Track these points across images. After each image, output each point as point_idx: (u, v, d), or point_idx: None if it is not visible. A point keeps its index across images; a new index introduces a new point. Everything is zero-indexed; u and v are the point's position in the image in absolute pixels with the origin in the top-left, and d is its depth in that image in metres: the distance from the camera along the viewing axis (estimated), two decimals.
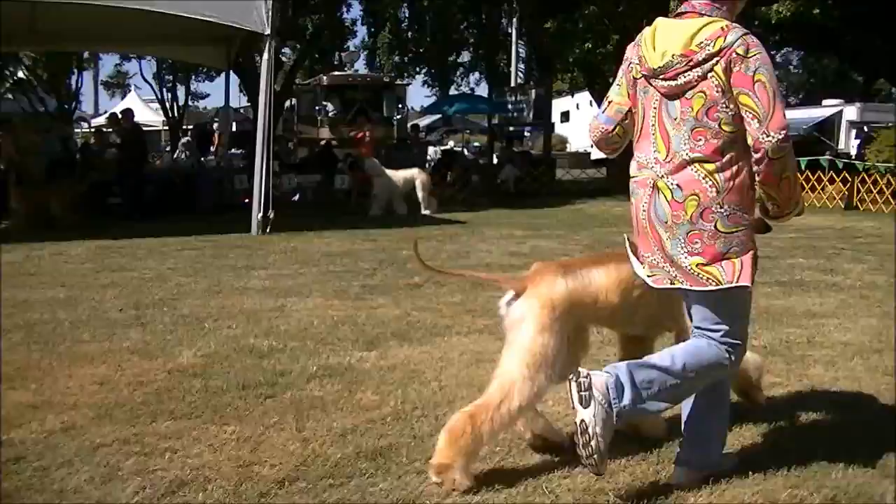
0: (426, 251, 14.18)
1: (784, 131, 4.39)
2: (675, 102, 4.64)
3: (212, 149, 36.14)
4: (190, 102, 68.97)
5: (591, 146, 34.33)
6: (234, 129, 36.75)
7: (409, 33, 55.50)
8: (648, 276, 4.81)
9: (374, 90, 36.85)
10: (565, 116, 59.73)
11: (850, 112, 45.83)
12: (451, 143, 50.87)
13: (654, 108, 4.72)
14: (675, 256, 4.66)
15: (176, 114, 58.14)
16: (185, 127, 52.97)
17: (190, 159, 30.21)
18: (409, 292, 10.65)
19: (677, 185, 4.60)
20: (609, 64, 32.70)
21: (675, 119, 4.62)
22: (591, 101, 44.16)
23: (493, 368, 6.78)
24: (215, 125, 41.58)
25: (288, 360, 7.38)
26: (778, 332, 8.58)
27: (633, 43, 4.91)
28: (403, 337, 8.28)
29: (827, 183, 25.33)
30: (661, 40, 4.70)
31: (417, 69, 59.96)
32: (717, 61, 4.48)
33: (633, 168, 4.90)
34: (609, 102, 5.03)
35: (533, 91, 40.29)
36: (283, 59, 43.54)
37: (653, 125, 4.74)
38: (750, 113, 4.44)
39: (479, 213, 22.22)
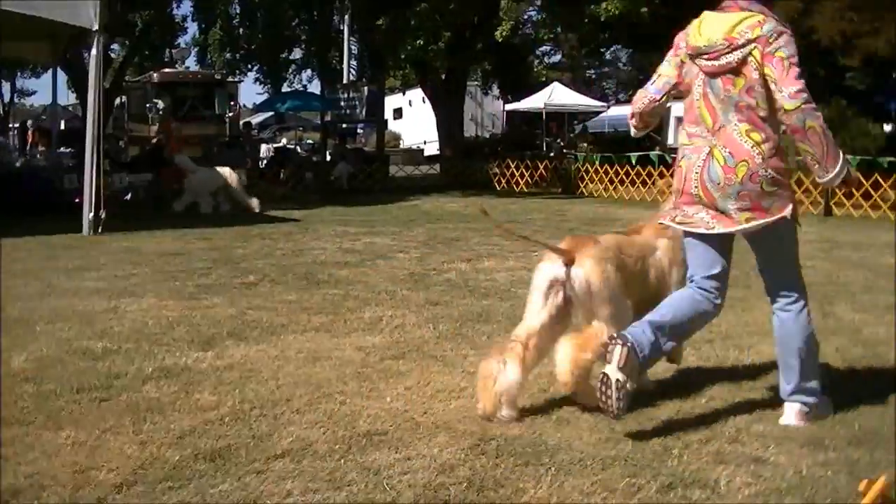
0: (259, 249, 14.10)
1: (795, 88, 5.34)
2: (717, 81, 5.56)
3: (27, 148, 35.24)
4: (16, 99, 67.33)
5: (424, 142, 34.57)
6: (62, 126, 35.86)
7: (241, 30, 54.91)
8: (683, 224, 5.83)
9: (206, 87, 36.52)
10: (398, 113, 59.87)
11: (678, 108, 46.84)
12: (284, 141, 50.44)
13: (699, 85, 5.66)
14: (727, 211, 5.56)
15: (2, 111, 56.61)
16: (10, 125, 51.58)
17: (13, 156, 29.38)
18: (244, 291, 10.57)
19: (729, 152, 5.51)
20: (441, 60, 32.94)
21: (720, 96, 5.56)
22: (423, 98, 44.30)
23: (331, 366, 6.83)
24: (29, 123, 40.59)
25: (123, 361, 7.24)
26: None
27: (682, 31, 5.86)
28: (239, 336, 8.20)
29: (657, 177, 25.90)
30: (707, 28, 5.63)
31: (249, 66, 59.40)
32: (755, 47, 5.41)
33: (683, 137, 5.85)
34: (659, 76, 6.00)
35: (365, 88, 40.31)
36: (112, 55, 42.76)
37: (698, 100, 5.67)
38: (770, 79, 5.39)
39: (313, 211, 22.14)
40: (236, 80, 53.59)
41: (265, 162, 35.46)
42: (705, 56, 5.57)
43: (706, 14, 5.72)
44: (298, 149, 44.51)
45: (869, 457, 5.24)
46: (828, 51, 26.80)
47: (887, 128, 34.77)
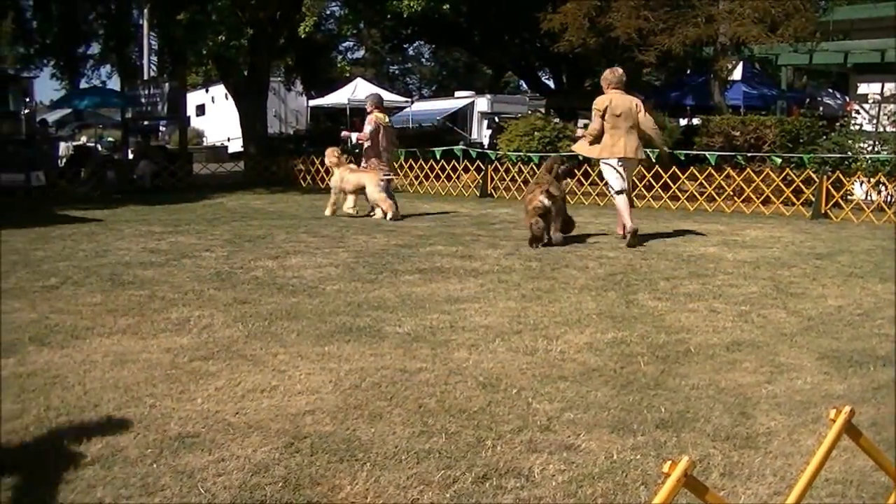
0: (60, 251, 13.73)
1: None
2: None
3: None
4: None
5: (228, 139, 34.02)
6: None
7: (34, 22, 53.42)
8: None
9: None
10: (201, 110, 59.09)
11: (482, 103, 47.58)
12: (83, 139, 49.35)
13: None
14: None
15: None
16: None
17: None
18: (44, 295, 10.25)
19: None
20: (244, 56, 32.62)
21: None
22: (226, 95, 43.83)
23: (139, 369, 6.71)
24: None
25: None
26: (421, 318, 8.81)
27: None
28: (42, 341, 7.96)
29: (462, 171, 26.17)
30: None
31: (44, 61, 57.89)
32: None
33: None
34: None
35: (167, 84, 39.57)
36: None
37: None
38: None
39: (116, 210, 21.65)
40: (31, 75, 52.03)
41: (64, 161, 34.57)
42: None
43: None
44: (99, 147, 43.57)
45: (676, 438, 5.40)
46: (626, 47, 27.41)
47: (683, 122, 35.89)
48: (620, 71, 15.12)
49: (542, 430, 5.56)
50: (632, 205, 15.66)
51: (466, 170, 26.06)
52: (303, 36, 34.37)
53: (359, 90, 45.86)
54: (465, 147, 27.70)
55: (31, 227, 17.12)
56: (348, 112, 47.07)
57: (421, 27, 38.56)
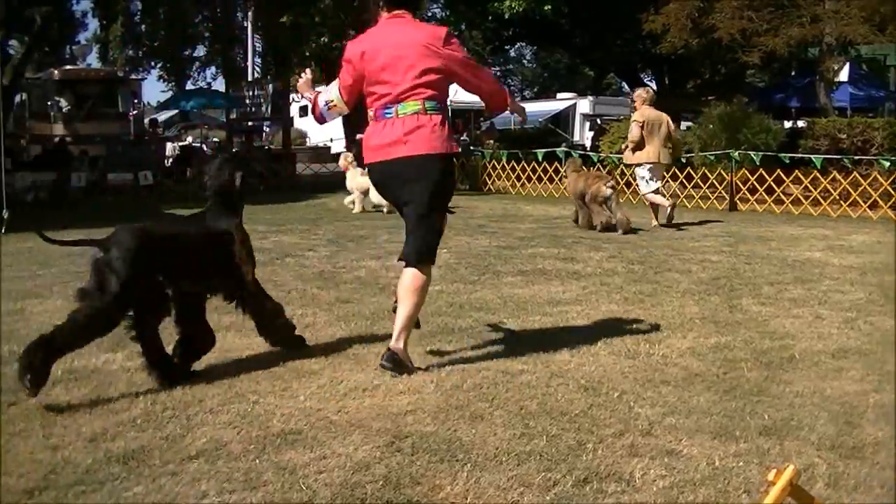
0: None
1: None
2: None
3: None
4: None
5: (331, 140, 34.37)
6: None
7: (143, 26, 54.30)
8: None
9: (108, 85, 36.06)
10: (304, 111, 59.53)
11: (584, 105, 47.44)
12: (189, 139, 50.10)
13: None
14: None
15: None
16: None
17: None
18: None
19: None
20: None
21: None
22: None
23: (243, 366, 6.79)
24: None
25: None
26: (523, 319, 8.80)
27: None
28: None
29: (563, 174, 26.05)
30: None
31: (152, 63, 58.83)
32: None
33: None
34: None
35: (270, 86, 39.95)
36: (11, 52, 42.04)
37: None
38: None
39: None
40: (139, 77, 52.93)
41: (171, 161, 35.11)
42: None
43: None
44: (204, 147, 44.17)
45: (779, 446, 5.33)
46: (729, 48, 27.16)
47: (788, 124, 35.43)
48: (653, 91, 19.20)
49: (644, 434, 5.52)
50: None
51: None
52: None
53: (460, 92, 45.73)
54: (567, 149, 27.60)
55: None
56: (450, 113, 47.16)
57: (522, 28, 38.45)
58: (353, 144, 28.39)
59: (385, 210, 19.25)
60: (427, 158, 6.78)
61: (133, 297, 6.28)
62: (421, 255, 6.88)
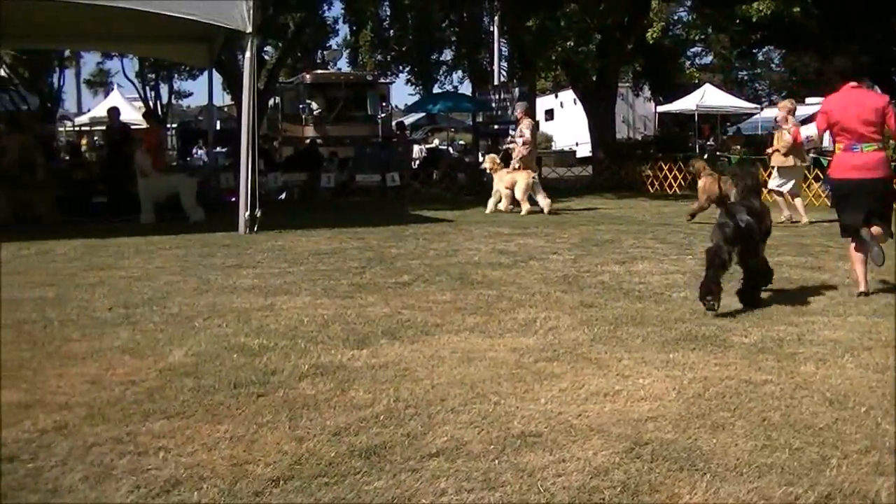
0: (413, 249, 14.17)
1: None
2: None
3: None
4: (173, 101, 68.96)
5: (576, 144, 34.37)
6: (218, 127, 36.66)
7: (391, 31, 55.29)
8: None
9: (358, 88, 36.90)
10: (549, 114, 59.75)
11: None
12: (436, 142, 50.84)
13: None
14: None
15: (160, 112, 57.89)
16: (169, 125, 52.80)
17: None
18: (397, 291, 10.62)
19: None
20: (592, 61, 32.72)
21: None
22: (574, 100, 44.15)
23: (485, 367, 6.83)
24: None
25: (279, 358, 7.35)
26: (767, 328, 8.59)
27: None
28: (394, 335, 8.25)
29: (812, 181, 25.34)
30: None
31: (400, 67, 59.82)
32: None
33: None
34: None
35: (516, 89, 40.18)
36: (266, 57, 43.45)
37: None
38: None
39: (466, 212, 22.18)
40: (388, 81, 53.97)
41: (418, 163, 35.66)
42: None
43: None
44: (450, 149, 44.73)
45: None
46: None
47: None
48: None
49: (891, 452, 5.31)
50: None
51: (817, 178, 25.19)
52: (650, 41, 34.21)
53: (707, 96, 45.33)
54: (816, 155, 26.86)
55: (385, 226, 17.76)
56: (697, 118, 46.59)
57: (770, 31, 37.63)
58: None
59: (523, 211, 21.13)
60: None
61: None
62: None
